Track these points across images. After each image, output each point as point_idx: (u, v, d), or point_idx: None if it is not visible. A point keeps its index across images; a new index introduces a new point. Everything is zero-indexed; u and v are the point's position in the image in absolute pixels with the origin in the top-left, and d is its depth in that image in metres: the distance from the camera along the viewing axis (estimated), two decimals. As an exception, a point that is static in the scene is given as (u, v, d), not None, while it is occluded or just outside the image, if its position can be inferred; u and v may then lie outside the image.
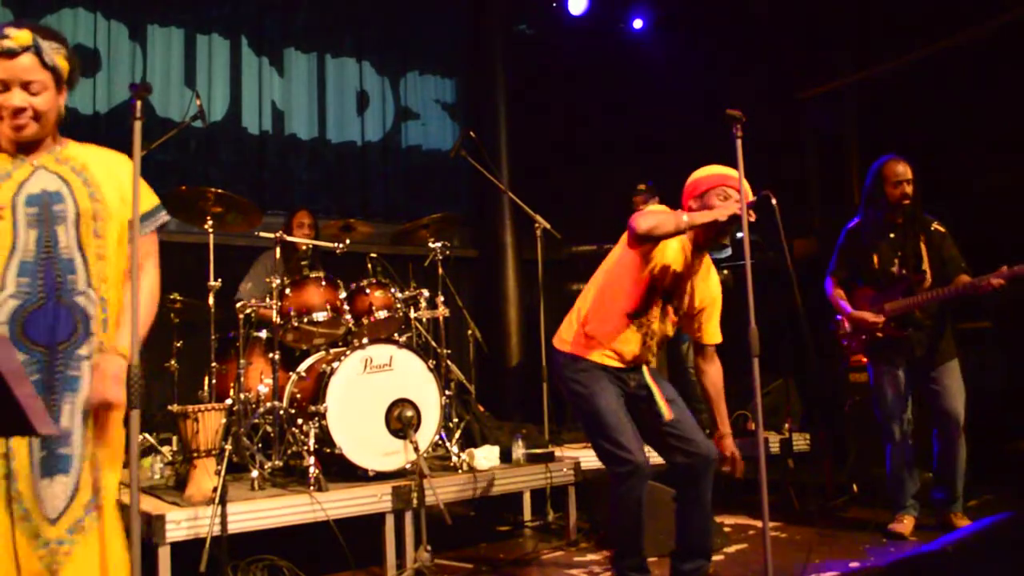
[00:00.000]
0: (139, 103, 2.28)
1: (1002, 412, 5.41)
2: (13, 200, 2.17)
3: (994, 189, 5.84)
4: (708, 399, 3.53)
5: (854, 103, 7.01)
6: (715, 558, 4.04)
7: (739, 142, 3.13)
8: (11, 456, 2.09)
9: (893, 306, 4.39)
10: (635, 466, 3.15)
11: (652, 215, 3.15)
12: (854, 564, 3.85)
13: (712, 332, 3.48)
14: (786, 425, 5.42)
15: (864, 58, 6.83)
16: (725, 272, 5.58)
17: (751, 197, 3.19)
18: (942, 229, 4.39)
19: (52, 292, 2.18)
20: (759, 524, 4.30)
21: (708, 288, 3.45)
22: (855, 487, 5.11)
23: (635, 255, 3.26)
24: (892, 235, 4.44)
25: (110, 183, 2.34)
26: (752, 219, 3.11)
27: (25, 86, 2.15)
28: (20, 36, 2.13)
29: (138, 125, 2.27)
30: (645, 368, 3.41)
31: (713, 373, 3.49)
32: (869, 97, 6.86)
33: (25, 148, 2.24)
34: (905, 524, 4.36)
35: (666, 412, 3.29)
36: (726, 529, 4.51)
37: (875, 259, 4.46)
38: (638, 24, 8.37)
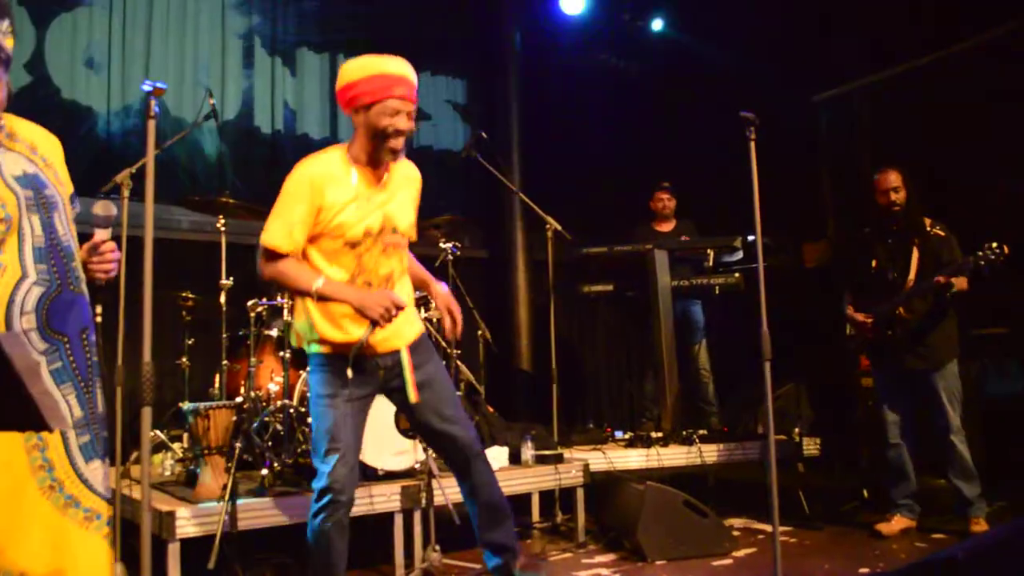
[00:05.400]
0: (152, 102, 2.27)
1: (1019, 417, 5.38)
2: (4, 181, 2.04)
3: (1011, 193, 5.80)
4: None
5: (868, 105, 6.98)
6: (723, 562, 4.04)
7: (752, 144, 3.13)
8: (44, 446, 2.04)
9: (879, 308, 4.49)
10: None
11: (274, 273, 2.85)
12: (864, 570, 3.83)
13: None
14: (796, 429, 5.40)
15: (879, 60, 6.80)
16: (737, 275, 5.58)
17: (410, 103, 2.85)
18: (942, 233, 4.47)
19: (64, 280, 2.10)
20: (768, 528, 4.29)
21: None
22: (865, 492, 5.09)
23: None
24: (889, 240, 4.56)
25: (59, 164, 2.23)
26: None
27: None
28: None
29: (152, 124, 2.27)
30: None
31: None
32: (884, 99, 6.82)
33: None
34: (892, 524, 4.44)
35: (413, 395, 2.97)
36: (735, 533, 4.50)
37: (874, 264, 4.59)
38: (657, 26, 8.32)
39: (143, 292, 2.32)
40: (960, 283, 4.26)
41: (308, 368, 2.99)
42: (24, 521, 1.99)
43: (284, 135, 7.15)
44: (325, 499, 2.82)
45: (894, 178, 4.51)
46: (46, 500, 2.03)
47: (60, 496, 2.06)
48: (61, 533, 2.04)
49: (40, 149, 2.18)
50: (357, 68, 2.86)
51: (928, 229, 4.47)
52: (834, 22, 6.94)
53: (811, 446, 5.44)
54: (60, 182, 2.18)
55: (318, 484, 2.84)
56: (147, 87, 2.27)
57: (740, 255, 5.87)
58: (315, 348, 2.92)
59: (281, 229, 2.80)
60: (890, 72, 6.70)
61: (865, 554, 4.11)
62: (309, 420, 4.23)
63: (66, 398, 2.07)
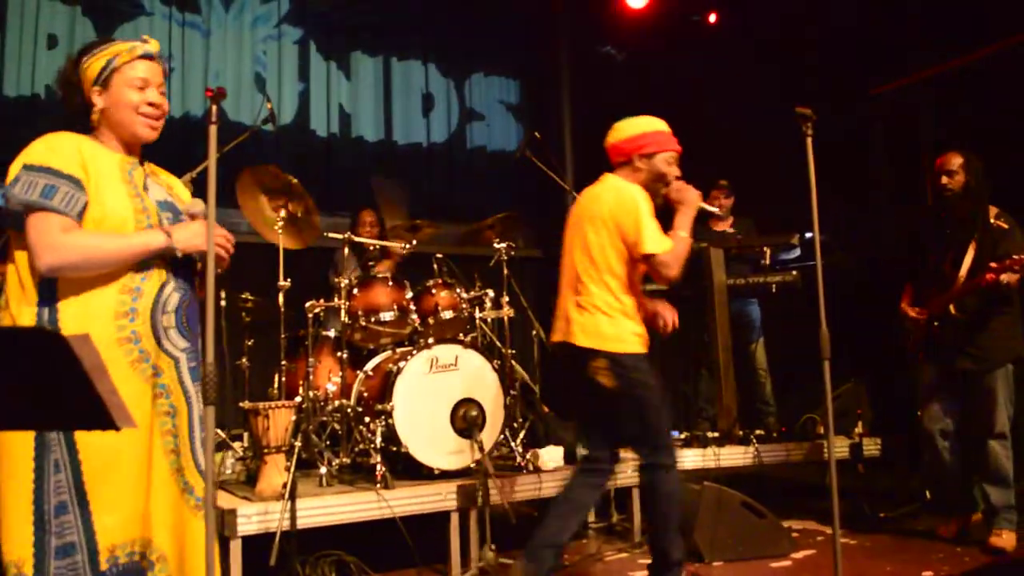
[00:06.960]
0: (214, 107, 2.31)
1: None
2: (146, 199, 2.28)
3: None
4: None
5: (931, 98, 6.81)
6: (782, 563, 3.99)
7: (809, 140, 3.08)
8: (176, 433, 2.24)
9: (931, 304, 4.30)
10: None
11: (676, 261, 3.24)
12: (927, 574, 3.76)
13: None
14: (856, 429, 5.30)
15: (942, 50, 6.62)
16: (794, 273, 5.50)
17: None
18: (1005, 225, 4.17)
19: (193, 289, 2.36)
20: (827, 530, 4.23)
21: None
22: (928, 494, 4.98)
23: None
24: (948, 231, 4.30)
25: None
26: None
27: (158, 87, 2.31)
28: (154, 43, 2.33)
29: (213, 129, 2.30)
30: None
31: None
32: (947, 92, 6.64)
33: (133, 151, 2.35)
34: (954, 526, 4.34)
35: None
36: (794, 534, 4.43)
37: (931, 257, 4.37)
38: (714, 19, 8.19)
39: (206, 294, 2.38)
40: (1011, 279, 3.95)
41: (622, 366, 3.21)
42: (160, 504, 2.18)
43: (339, 138, 7.24)
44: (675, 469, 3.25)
45: (953, 161, 4.22)
46: (175, 485, 2.23)
47: (181, 480, 2.25)
48: (182, 518, 2.22)
49: (175, 190, 2.47)
50: (643, 123, 3.47)
51: (992, 220, 4.18)
52: (894, 10, 6.78)
53: (872, 446, 5.35)
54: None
55: (671, 459, 3.24)
56: (209, 91, 2.32)
57: (798, 252, 5.79)
58: (635, 347, 3.26)
59: (657, 233, 3.23)
60: (952, 64, 6.54)
61: (928, 557, 4.02)
62: (366, 419, 4.30)
63: (199, 393, 2.28)
